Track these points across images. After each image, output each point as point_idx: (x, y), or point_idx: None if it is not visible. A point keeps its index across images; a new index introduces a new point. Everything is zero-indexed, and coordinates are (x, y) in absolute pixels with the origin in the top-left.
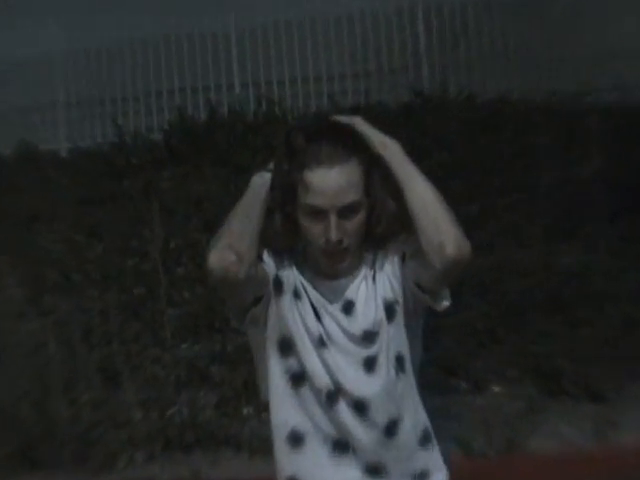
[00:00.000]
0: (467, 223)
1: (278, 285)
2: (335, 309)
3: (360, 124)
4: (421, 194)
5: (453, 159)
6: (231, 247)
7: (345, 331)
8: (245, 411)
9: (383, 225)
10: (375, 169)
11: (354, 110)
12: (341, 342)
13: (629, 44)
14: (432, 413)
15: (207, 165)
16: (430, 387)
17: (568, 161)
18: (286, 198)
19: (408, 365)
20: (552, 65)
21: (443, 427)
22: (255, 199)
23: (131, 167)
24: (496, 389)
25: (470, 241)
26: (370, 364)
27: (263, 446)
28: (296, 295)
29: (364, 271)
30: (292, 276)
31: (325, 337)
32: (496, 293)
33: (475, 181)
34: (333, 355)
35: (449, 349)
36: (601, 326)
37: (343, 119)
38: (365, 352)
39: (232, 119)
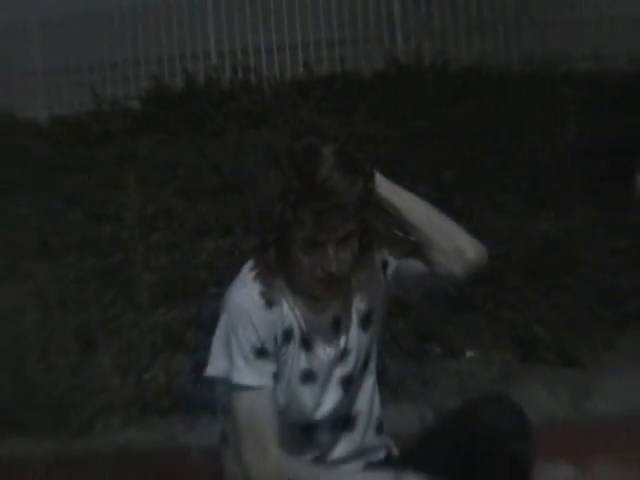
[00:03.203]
0: (444, 190)
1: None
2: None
3: None
4: (424, 210)
5: (429, 126)
6: None
7: None
8: None
9: (374, 248)
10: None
11: (330, 78)
12: None
13: (604, 12)
14: (406, 379)
15: (183, 132)
16: (404, 352)
17: (546, 129)
18: (282, 233)
19: (372, 363)
20: (527, 33)
21: (417, 392)
22: None
23: (108, 134)
24: (471, 355)
25: (446, 208)
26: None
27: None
28: (287, 339)
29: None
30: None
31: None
32: None
33: (451, 148)
34: None
35: (423, 315)
36: (578, 293)
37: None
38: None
39: (208, 87)
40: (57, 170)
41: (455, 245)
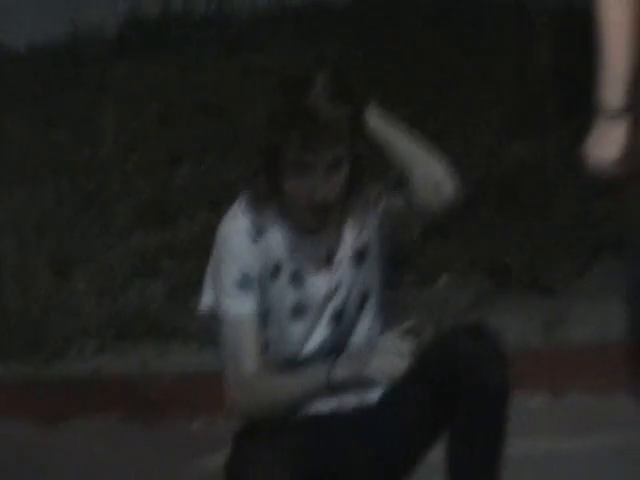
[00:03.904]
0: (413, 116)
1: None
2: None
3: None
4: (409, 143)
5: (401, 49)
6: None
7: None
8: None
9: (365, 180)
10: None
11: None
12: None
13: None
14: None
15: (160, 57)
16: None
17: (520, 51)
18: (271, 158)
19: (371, 301)
20: None
21: (391, 320)
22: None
23: (87, 60)
24: (444, 281)
25: (419, 131)
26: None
27: (212, 338)
28: (276, 272)
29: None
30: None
31: None
32: None
33: (424, 71)
34: None
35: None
36: (552, 219)
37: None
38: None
39: (185, 14)
40: (38, 95)
41: (433, 178)
